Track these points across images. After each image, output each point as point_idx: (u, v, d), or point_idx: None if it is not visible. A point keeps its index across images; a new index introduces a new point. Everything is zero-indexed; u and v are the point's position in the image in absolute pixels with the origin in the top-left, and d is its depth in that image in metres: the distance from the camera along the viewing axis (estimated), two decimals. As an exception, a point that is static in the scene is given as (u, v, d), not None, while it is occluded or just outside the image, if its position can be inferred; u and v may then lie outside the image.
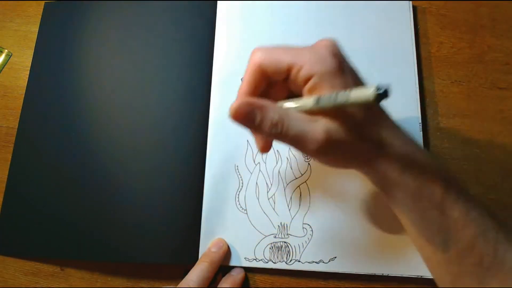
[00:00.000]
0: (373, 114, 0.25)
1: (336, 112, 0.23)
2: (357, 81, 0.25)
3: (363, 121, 0.24)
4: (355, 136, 0.24)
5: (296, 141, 0.24)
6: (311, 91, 0.23)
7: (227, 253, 0.35)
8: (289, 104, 0.24)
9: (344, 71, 0.23)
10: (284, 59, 0.24)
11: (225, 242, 0.35)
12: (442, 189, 0.25)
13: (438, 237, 0.25)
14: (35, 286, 0.37)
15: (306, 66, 0.23)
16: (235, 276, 0.34)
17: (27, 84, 0.41)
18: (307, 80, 0.23)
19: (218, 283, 0.34)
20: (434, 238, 0.26)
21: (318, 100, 0.22)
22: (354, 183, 0.35)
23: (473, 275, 0.25)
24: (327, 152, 0.24)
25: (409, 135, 0.27)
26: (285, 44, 0.25)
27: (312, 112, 0.23)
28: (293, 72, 0.24)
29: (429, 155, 0.27)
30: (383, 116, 0.26)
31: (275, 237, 0.35)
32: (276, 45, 0.25)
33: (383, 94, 0.20)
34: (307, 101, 0.23)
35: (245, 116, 0.23)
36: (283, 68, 0.24)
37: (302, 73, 0.23)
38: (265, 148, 0.29)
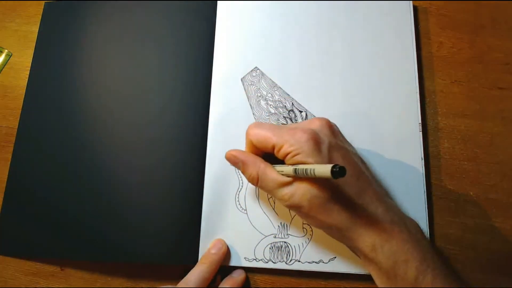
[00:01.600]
0: (351, 187, 0.28)
1: (305, 182, 0.27)
2: (343, 156, 0.29)
3: (328, 195, 0.27)
4: (315, 207, 0.27)
5: (269, 194, 0.30)
6: (290, 163, 0.28)
7: (227, 254, 0.35)
8: (279, 166, 0.29)
9: (320, 151, 0.27)
10: (269, 140, 0.29)
11: (225, 243, 0.35)
12: (416, 271, 0.26)
13: None
14: (35, 286, 0.37)
15: (284, 146, 0.28)
16: (236, 278, 0.34)
17: (27, 84, 0.41)
18: (285, 156, 0.28)
19: (218, 284, 0.34)
20: None
21: (296, 170, 0.27)
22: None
23: None
24: (294, 210, 0.29)
25: (393, 206, 0.29)
26: (275, 125, 0.31)
27: (292, 176, 0.28)
28: (275, 150, 0.29)
29: (413, 230, 0.28)
30: (364, 186, 0.29)
31: (275, 237, 0.35)
32: (267, 125, 0.30)
33: (338, 172, 0.23)
34: (289, 168, 0.28)
35: (232, 163, 0.32)
36: (269, 146, 0.29)
37: (281, 152, 0.28)
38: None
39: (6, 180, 0.38)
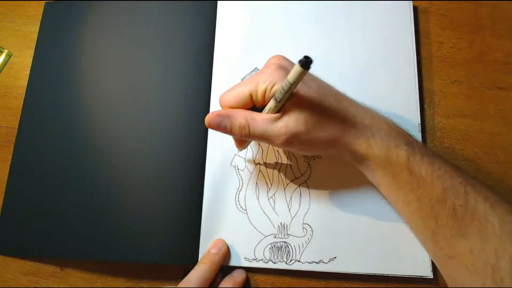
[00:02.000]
0: (328, 97, 0.29)
1: (293, 110, 0.28)
2: (315, 81, 0.30)
3: (317, 111, 0.28)
4: (311, 126, 0.28)
5: (263, 138, 0.29)
6: (270, 97, 0.28)
7: (227, 254, 0.35)
8: (265, 109, 0.29)
9: (287, 70, 0.28)
10: (244, 92, 0.29)
11: (225, 243, 0.35)
12: (407, 152, 0.29)
13: (411, 196, 0.29)
14: (35, 286, 0.37)
15: (259, 86, 0.28)
16: (236, 277, 0.34)
17: (27, 84, 0.41)
18: (263, 94, 0.29)
19: (218, 284, 0.34)
20: (408, 197, 0.29)
21: (275, 98, 0.27)
22: (354, 183, 0.35)
23: (450, 226, 0.27)
24: (292, 142, 0.29)
25: (371, 109, 0.31)
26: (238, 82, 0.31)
27: (278, 110, 0.28)
28: (253, 96, 0.29)
29: (391, 123, 0.30)
30: (338, 94, 0.31)
31: (275, 237, 0.35)
32: (233, 86, 0.30)
33: (305, 61, 0.23)
34: (270, 102, 0.28)
35: (216, 125, 0.30)
36: (246, 98, 0.29)
37: (259, 93, 0.29)
38: (241, 145, 0.34)
39: (6, 180, 0.38)
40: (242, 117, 0.29)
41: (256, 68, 0.39)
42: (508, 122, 0.38)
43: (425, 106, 0.39)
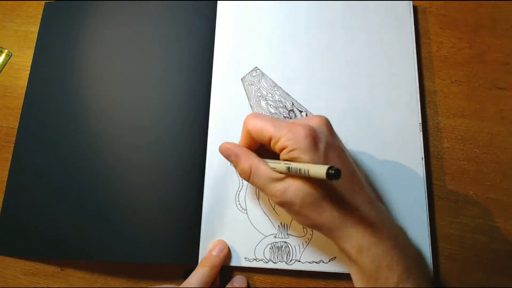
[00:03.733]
0: (344, 187, 0.28)
1: (298, 179, 0.27)
2: (338, 156, 0.28)
3: (321, 193, 0.27)
4: (307, 204, 0.27)
5: (260, 189, 0.29)
6: (284, 158, 0.28)
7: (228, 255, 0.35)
8: (271, 162, 0.29)
9: (316, 149, 0.27)
10: (267, 131, 0.28)
11: (226, 244, 0.35)
12: (398, 278, 0.27)
13: None
14: (35, 286, 0.37)
15: (282, 139, 0.28)
16: None
17: (27, 84, 0.41)
18: (281, 150, 0.28)
19: (217, 284, 0.34)
20: None
21: (289, 168, 0.27)
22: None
23: None
24: (284, 208, 0.28)
25: (383, 211, 0.29)
26: (274, 117, 0.30)
27: (285, 173, 0.28)
28: (272, 142, 0.28)
29: (399, 234, 0.29)
30: (356, 188, 0.28)
31: (275, 237, 0.35)
32: (266, 116, 0.30)
33: (334, 174, 0.23)
34: (282, 166, 0.28)
35: (225, 156, 0.31)
36: (266, 137, 0.29)
37: (278, 145, 0.28)
38: None
39: (6, 180, 0.38)
40: (248, 163, 0.29)
41: (256, 67, 0.39)
42: (508, 122, 0.38)
43: (426, 106, 0.39)
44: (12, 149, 0.39)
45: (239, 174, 0.30)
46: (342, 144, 0.31)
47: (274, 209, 0.35)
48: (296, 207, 0.27)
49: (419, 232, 0.34)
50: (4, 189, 0.38)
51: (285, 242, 0.35)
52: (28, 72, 0.41)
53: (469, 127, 0.38)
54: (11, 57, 0.43)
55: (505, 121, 0.38)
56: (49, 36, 0.42)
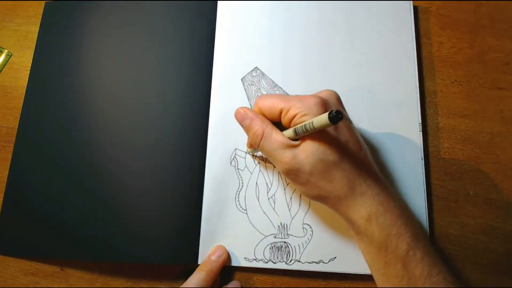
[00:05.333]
0: (353, 156, 0.28)
1: (309, 146, 0.27)
2: (347, 126, 0.29)
3: (331, 161, 0.27)
4: (317, 171, 0.27)
5: (269, 156, 0.29)
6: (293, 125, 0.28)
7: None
8: (285, 132, 0.29)
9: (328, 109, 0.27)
10: (278, 105, 0.29)
11: (226, 250, 0.35)
12: (408, 246, 0.27)
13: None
14: (35, 286, 0.37)
15: (292, 109, 0.28)
16: None
17: (27, 84, 0.41)
18: (292, 118, 0.28)
19: (217, 284, 0.34)
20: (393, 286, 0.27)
21: (295, 130, 0.27)
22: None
23: None
24: (291, 176, 0.28)
25: (387, 185, 0.29)
26: (284, 94, 0.31)
27: (295, 139, 0.28)
28: (283, 114, 0.29)
29: (404, 204, 0.29)
30: (364, 159, 0.29)
31: (275, 237, 0.35)
32: (274, 94, 0.30)
33: (335, 116, 0.23)
34: (289, 131, 0.28)
35: (240, 119, 0.31)
36: (276, 111, 0.29)
37: (288, 114, 0.28)
38: (250, 147, 0.35)
39: (6, 180, 0.38)
40: (262, 127, 0.29)
41: (256, 67, 0.39)
42: (508, 122, 0.38)
43: (426, 106, 0.39)
44: (12, 149, 0.39)
45: (251, 138, 0.30)
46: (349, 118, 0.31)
47: (274, 209, 0.36)
48: (305, 175, 0.27)
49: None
50: (4, 189, 0.38)
51: (285, 242, 0.35)
52: (28, 72, 0.41)
53: (469, 127, 0.38)
54: (11, 57, 0.43)
55: (505, 121, 0.38)
56: (49, 36, 0.42)
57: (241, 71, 0.39)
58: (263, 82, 0.39)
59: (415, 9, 0.41)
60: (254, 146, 0.31)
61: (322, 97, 0.28)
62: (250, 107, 0.38)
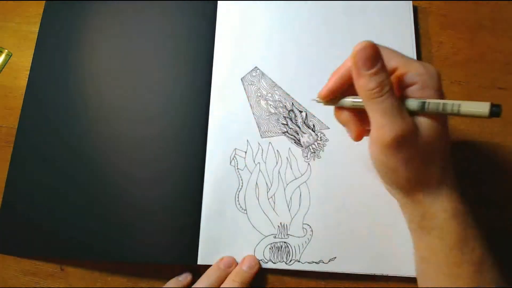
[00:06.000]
0: (448, 152, 0.25)
1: (431, 120, 0.24)
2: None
3: (441, 146, 0.24)
4: (428, 152, 0.24)
5: (383, 115, 0.23)
6: (412, 95, 0.24)
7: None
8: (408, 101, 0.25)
9: (443, 94, 0.24)
10: (393, 59, 0.25)
11: (258, 261, 0.34)
12: (484, 249, 0.25)
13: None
14: (35, 286, 0.37)
15: (411, 72, 0.24)
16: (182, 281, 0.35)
17: (27, 84, 0.41)
18: (410, 85, 0.24)
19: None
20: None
21: (424, 104, 0.23)
22: (354, 183, 0.35)
23: None
24: (395, 147, 0.24)
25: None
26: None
27: (412, 113, 0.24)
28: (396, 74, 0.25)
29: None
30: (448, 151, 0.26)
31: (275, 237, 0.35)
32: (387, 47, 0.26)
33: (496, 110, 0.21)
34: (413, 102, 0.24)
35: (368, 57, 0.24)
36: (389, 64, 0.25)
37: (407, 78, 0.24)
38: (359, 136, 0.29)
39: (6, 180, 0.38)
40: (389, 81, 0.23)
41: (256, 67, 0.39)
42: (508, 122, 0.38)
43: (425, 106, 0.39)
44: (12, 149, 0.39)
45: (376, 83, 0.23)
46: None
47: (274, 209, 0.35)
48: (413, 150, 0.24)
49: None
50: (4, 189, 0.38)
51: (284, 242, 0.35)
52: (28, 72, 0.41)
53: (469, 127, 0.38)
54: (11, 57, 0.43)
55: (505, 121, 0.38)
56: (49, 36, 0.42)
57: (241, 71, 0.39)
58: (263, 82, 0.39)
59: (415, 9, 0.41)
60: (365, 103, 0.25)
61: (440, 77, 0.25)
62: (250, 106, 0.38)
